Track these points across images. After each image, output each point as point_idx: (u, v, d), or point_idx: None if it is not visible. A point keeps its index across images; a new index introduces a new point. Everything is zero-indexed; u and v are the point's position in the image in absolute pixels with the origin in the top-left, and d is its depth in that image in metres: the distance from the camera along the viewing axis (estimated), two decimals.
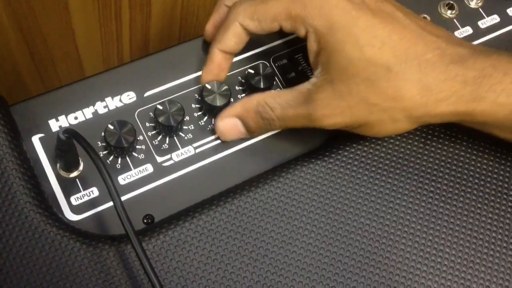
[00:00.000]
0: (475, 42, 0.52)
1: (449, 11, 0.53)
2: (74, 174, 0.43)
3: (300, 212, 0.43)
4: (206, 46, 0.48)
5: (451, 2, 0.53)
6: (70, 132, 0.38)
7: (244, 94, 0.48)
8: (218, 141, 0.46)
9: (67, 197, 0.43)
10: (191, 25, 0.79)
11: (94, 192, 0.43)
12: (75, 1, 0.65)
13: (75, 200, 0.43)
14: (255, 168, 0.45)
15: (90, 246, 0.40)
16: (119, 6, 0.69)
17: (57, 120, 0.45)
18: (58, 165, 0.43)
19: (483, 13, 0.53)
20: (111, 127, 0.43)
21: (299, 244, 0.42)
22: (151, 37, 0.78)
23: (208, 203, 0.43)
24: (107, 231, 0.42)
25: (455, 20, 0.53)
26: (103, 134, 0.43)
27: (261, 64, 0.47)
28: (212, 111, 0.46)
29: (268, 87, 0.47)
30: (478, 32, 0.52)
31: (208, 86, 0.46)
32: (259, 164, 0.45)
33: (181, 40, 0.81)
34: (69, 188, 0.43)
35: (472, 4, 0.53)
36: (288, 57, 0.50)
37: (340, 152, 0.45)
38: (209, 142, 0.46)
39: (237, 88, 0.48)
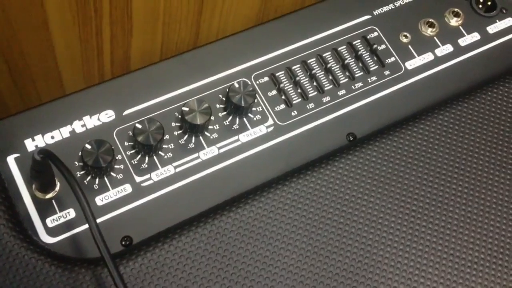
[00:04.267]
0: (456, 60, 0.52)
1: (429, 29, 0.53)
2: (50, 195, 0.42)
3: (281, 232, 0.42)
4: (186, 63, 0.48)
5: (431, 20, 0.53)
6: (45, 153, 0.37)
7: (225, 112, 0.47)
8: (199, 160, 0.45)
9: (43, 219, 0.42)
10: (172, 42, 0.78)
11: (70, 213, 0.42)
12: (54, 17, 0.64)
13: (51, 222, 0.42)
14: (235, 188, 0.44)
15: (65, 270, 0.39)
16: (99, 23, 0.68)
17: (33, 139, 0.44)
18: (33, 185, 0.42)
19: (463, 31, 0.54)
20: (88, 146, 0.42)
21: (280, 265, 0.41)
22: (132, 54, 0.77)
23: (188, 224, 0.42)
24: (84, 254, 0.41)
25: (435, 38, 0.53)
26: (80, 153, 0.42)
27: (242, 82, 0.47)
28: (193, 130, 0.46)
29: (249, 105, 0.46)
30: (459, 50, 0.53)
31: (188, 105, 0.45)
32: (240, 183, 0.45)
33: (163, 56, 0.80)
34: (45, 209, 0.42)
35: (453, 22, 0.54)
36: (269, 74, 0.50)
37: (321, 171, 0.45)
38: (189, 161, 0.45)
39: (217, 106, 0.48)
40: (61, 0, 0.62)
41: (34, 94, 0.78)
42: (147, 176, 0.44)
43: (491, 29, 0.54)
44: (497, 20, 0.55)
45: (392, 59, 0.51)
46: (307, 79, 0.50)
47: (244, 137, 0.47)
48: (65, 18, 0.65)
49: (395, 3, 0.54)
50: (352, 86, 0.50)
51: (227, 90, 0.46)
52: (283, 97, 0.49)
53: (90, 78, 0.80)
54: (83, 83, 0.79)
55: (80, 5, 0.64)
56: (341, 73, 0.50)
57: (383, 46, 0.52)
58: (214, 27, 0.73)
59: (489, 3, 0.55)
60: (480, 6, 0.55)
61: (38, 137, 0.44)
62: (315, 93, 0.49)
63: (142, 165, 0.44)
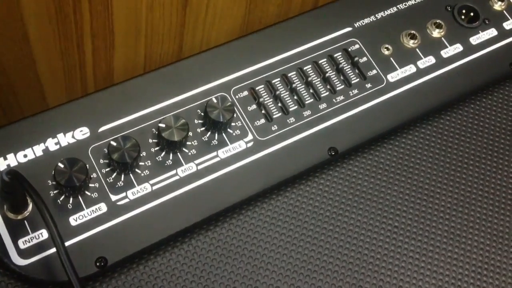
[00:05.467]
0: (438, 72, 0.51)
1: (411, 41, 0.52)
2: (22, 215, 0.41)
3: (260, 251, 0.41)
4: (164, 78, 0.47)
5: (413, 31, 0.52)
6: (13, 174, 0.36)
7: (203, 128, 0.46)
8: (177, 177, 0.44)
9: (15, 240, 0.40)
10: (156, 54, 0.77)
11: (43, 234, 0.41)
12: (34, 31, 0.63)
13: (23, 243, 0.40)
14: (214, 206, 0.43)
15: None
16: (80, 35, 0.67)
17: (5, 158, 0.43)
18: (4, 206, 0.41)
19: (446, 42, 0.53)
20: (61, 165, 0.41)
21: (260, 285, 0.40)
22: (115, 66, 0.76)
23: (164, 244, 0.41)
24: (57, 277, 0.40)
25: (417, 49, 0.52)
26: (53, 172, 0.41)
27: (220, 97, 0.46)
28: (170, 146, 0.45)
29: (228, 121, 0.46)
30: (441, 62, 0.52)
31: (165, 122, 0.44)
32: (218, 201, 0.44)
33: (147, 68, 0.79)
34: (16, 230, 0.41)
35: (435, 34, 0.53)
36: (249, 88, 0.49)
37: (302, 187, 0.44)
38: (166, 178, 0.44)
39: (196, 121, 0.47)
40: (41, 14, 0.61)
41: (16, 108, 0.77)
42: (123, 194, 0.43)
43: (474, 40, 0.54)
44: (479, 31, 0.54)
45: (374, 71, 0.51)
46: (287, 93, 0.49)
47: (223, 153, 0.46)
48: (45, 31, 0.65)
49: (376, 15, 0.53)
50: (334, 100, 0.49)
51: (205, 105, 0.46)
52: (263, 111, 0.48)
53: (73, 91, 0.79)
54: (65, 97, 0.78)
55: (60, 18, 0.63)
56: (322, 87, 0.50)
57: (364, 59, 0.51)
58: (197, 39, 0.73)
59: (471, 14, 0.55)
60: (463, 17, 0.54)
61: (10, 156, 0.43)
62: (296, 107, 0.48)
63: (118, 183, 0.43)
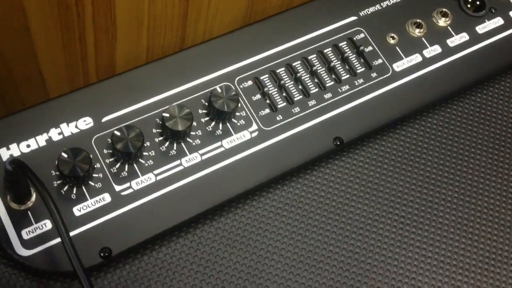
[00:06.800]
0: (445, 61, 0.51)
1: (417, 30, 0.52)
2: (26, 206, 0.41)
3: (265, 241, 0.41)
4: (168, 67, 0.47)
5: (419, 20, 0.52)
6: (17, 163, 0.35)
7: (207, 118, 0.46)
8: (181, 167, 0.44)
9: (18, 230, 0.40)
10: (158, 46, 0.77)
11: (47, 224, 0.40)
12: (36, 23, 0.63)
13: (26, 234, 0.40)
14: (218, 196, 0.43)
15: (40, 284, 0.37)
16: (82, 27, 0.67)
17: (8, 148, 0.42)
18: (8, 196, 0.41)
19: (452, 31, 0.53)
20: (64, 155, 0.40)
21: (265, 275, 0.40)
22: (117, 58, 0.76)
23: (169, 234, 0.41)
24: (60, 267, 0.39)
25: (423, 38, 0.52)
26: (56, 163, 0.41)
27: (224, 86, 0.46)
28: (174, 136, 0.44)
29: (232, 110, 0.45)
30: (447, 51, 0.51)
31: (168, 111, 0.44)
32: (223, 191, 0.43)
33: (149, 60, 0.79)
34: (20, 221, 0.40)
35: (441, 22, 0.53)
36: (253, 78, 0.48)
37: (307, 177, 0.44)
38: (171, 168, 0.44)
39: (200, 111, 0.46)
40: (42, 6, 0.60)
41: (17, 100, 0.77)
42: (127, 184, 0.43)
43: (480, 29, 0.53)
44: (486, 20, 0.54)
45: (379, 61, 0.50)
46: (292, 82, 0.48)
47: (227, 143, 0.45)
48: (47, 24, 0.64)
49: (381, 4, 0.53)
50: (339, 89, 0.49)
51: (210, 94, 0.45)
52: (267, 101, 0.48)
53: (75, 84, 0.79)
54: (67, 89, 0.78)
55: (62, 10, 0.62)
56: (327, 76, 0.49)
57: (370, 48, 0.50)
58: (200, 30, 0.72)
59: (477, 2, 0.54)
60: (469, 5, 0.54)
61: (13, 146, 0.42)
62: (301, 96, 0.48)
63: (122, 173, 0.43)
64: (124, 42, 0.74)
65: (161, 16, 0.68)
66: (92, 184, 0.42)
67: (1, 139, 0.42)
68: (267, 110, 0.47)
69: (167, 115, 0.43)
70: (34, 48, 0.68)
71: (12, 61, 0.68)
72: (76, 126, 0.44)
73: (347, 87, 0.49)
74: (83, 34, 0.69)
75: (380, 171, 0.45)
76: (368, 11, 0.52)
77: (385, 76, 0.50)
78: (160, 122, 0.45)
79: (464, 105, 0.50)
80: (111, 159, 0.43)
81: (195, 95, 0.47)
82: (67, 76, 0.76)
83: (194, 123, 0.45)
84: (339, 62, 0.50)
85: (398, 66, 0.50)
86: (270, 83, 0.48)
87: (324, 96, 0.48)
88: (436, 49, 0.52)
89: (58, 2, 0.60)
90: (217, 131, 0.46)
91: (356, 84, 0.49)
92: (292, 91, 0.48)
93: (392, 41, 0.51)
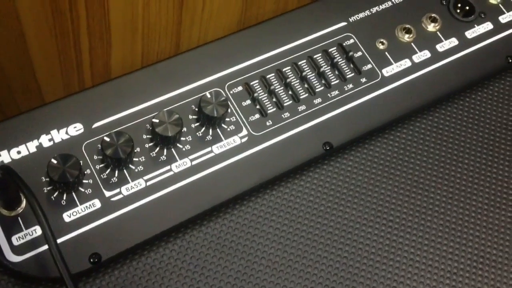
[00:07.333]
0: (434, 66, 0.51)
1: (406, 35, 0.52)
2: (16, 212, 0.41)
3: (254, 246, 0.41)
4: (158, 73, 0.47)
5: (408, 26, 0.52)
6: (5, 169, 0.36)
7: (197, 123, 0.46)
8: (171, 173, 0.44)
9: (8, 236, 0.40)
10: (153, 52, 0.77)
11: (37, 231, 0.41)
12: (30, 29, 0.63)
13: (16, 240, 0.40)
14: (208, 201, 0.43)
15: None
16: (77, 34, 0.67)
17: None
18: None
19: (441, 36, 0.53)
20: (54, 161, 0.41)
21: (254, 280, 0.40)
22: (112, 65, 0.76)
23: (158, 239, 0.41)
24: (50, 273, 0.39)
25: (412, 44, 0.52)
26: (46, 169, 0.41)
27: (214, 92, 0.46)
28: (164, 142, 0.44)
29: (222, 116, 0.45)
30: (437, 56, 0.52)
31: (158, 117, 0.44)
32: (213, 196, 0.43)
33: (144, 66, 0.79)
34: (10, 227, 0.41)
35: (430, 28, 0.53)
36: (243, 83, 0.49)
37: (296, 182, 0.44)
38: (161, 174, 0.44)
39: (190, 117, 0.47)
40: (36, 12, 0.61)
41: (13, 105, 0.77)
42: (117, 190, 0.43)
43: (469, 34, 0.53)
44: (475, 25, 0.54)
45: (369, 66, 0.50)
46: (282, 87, 0.49)
47: (217, 149, 0.46)
48: (41, 30, 0.65)
49: (371, 10, 0.53)
50: (328, 94, 0.49)
51: (199, 100, 0.45)
52: (257, 106, 0.48)
53: (70, 90, 0.79)
54: (63, 95, 0.78)
55: (57, 16, 0.63)
56: (316, 81, 0.49)
57: (359, 53, 0.51)
58: (194, 37, 0.72)
59: (467, 7, 0.54)
60: (458, 10, 0.54)
61: (3, 153, 0.43)
62: (291, 102, 0.48)
63: (112, 179, 0.43)
64: (119, 48, 0.75)
65: (155, 22, 0.69)
66: (82, 190, 0.43)
67: None
68: (257, 116, 0.47)
69: (157, 121, 0.44)
70: (29, 55, 0.69)
71: (7, 67, 0.68)
72: (67, 133, 0.44)
73: (337, 92, 0.49)
74: (78, 40, 0.69)
75: (369, 175, 0.45)
76: (358, 16, 0.53)
77: (374, 81, 0.50)
78: (150, 128, 0.45)
79: (453, 110, 0.50)
80: (101, 165, 0.44)
81: (185, 101, 0.47)
82: (63, 82, 0.77)
83: (184, 129, 0.45)
84: (328, 67, 0.50)
85: (388, 71, 0.51)
86: (260, 88, 0.49)
87: (314, 101, 0.49)
88: (425, 54, 0.52)
89: (52, 9, 0.61)
90: (207, 137, 0.46)
91: (346, 89, 0.49)
92: (282, 97, 0.48)
93: (381, 47, 0.52)
